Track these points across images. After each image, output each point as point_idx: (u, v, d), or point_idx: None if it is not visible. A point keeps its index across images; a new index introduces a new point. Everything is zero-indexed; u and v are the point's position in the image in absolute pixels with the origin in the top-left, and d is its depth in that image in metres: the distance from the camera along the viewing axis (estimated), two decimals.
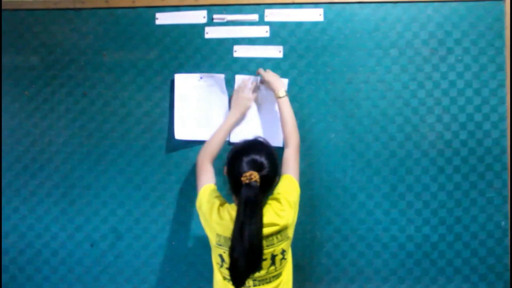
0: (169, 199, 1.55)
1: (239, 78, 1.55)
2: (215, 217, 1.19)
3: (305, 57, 1.55)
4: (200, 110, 1.56)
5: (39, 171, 1.55)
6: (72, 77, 1.57)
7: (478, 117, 1.54)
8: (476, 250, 1.54)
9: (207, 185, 1.28)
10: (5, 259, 1.55)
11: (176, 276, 1.55)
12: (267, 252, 1.17)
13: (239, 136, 1.50)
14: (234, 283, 1.11)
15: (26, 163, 1.55)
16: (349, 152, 1.54)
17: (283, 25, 1.56)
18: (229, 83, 1.56)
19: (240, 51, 1.57)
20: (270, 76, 1.47)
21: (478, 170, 1.54)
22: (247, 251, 1.07)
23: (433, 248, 1.54)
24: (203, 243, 1.54)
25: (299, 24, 1.56)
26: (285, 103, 1.42)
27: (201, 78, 1.56)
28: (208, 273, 1.52)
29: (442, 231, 1.54)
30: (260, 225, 1.10)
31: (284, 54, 1.56)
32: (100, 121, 1.56)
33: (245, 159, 1.17)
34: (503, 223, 1.53)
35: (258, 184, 1.11)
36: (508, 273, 1.54)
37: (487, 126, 1.54)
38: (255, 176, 1.11)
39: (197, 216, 1.52)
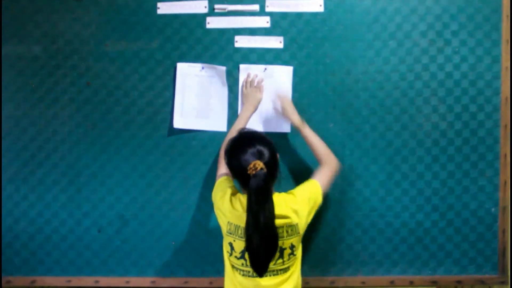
0: (173, 186, 1.61)
1: (243, 68, 1.57)
2: (227, 205, 1.24)
3: (305, 48, 1.58)
4: (200, 100, 1.59)
5: (46, 160, 1.60)
6: (75, 67, 1.59)
7: (472, 107, 1.58)
8: (467, 235, 1.61)
9: (224, 177, 1.34)
10: (17, 244, 1.61)
11: (180, 260, 1.62)
12: None
13: (248, 124, 1.54)
14: (257, 272, 1.16)
15: (33, 152, 1.59)
16: (347, 141, 1.59)
17: (283, 15, 1.57)
18: (230, 74, 1.59)
19: (241, 42, 1.59)
20: (286, 105, 1.49)
21: (471, 159, 1.59)
22: (265, 237, 1.11)
23: (425, 234, 1.61)
24: (207, 228, 1.61)
25: (299, 15, 1.57)
26: (306, 128, 1.45)
27: (202, 68, 1.59)
28: (212, 257, 1.61)
29: (434, 217, 1.60)
30: (272, 210, 1.13)
31: (285, 45, 1.58)
32: (104, 110, 1.60)
33: (244, 152, 1.18)
34: (493, 209, 1.60)
35: (265, 171, 1.13)
36: (496, 256, 1.62)
37: (481, 116, 1.58)
38: (259, 164, 1.13)
39: (199, 201, 1.60)
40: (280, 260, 1.23)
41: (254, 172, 1.12)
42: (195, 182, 1.60)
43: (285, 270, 1.24)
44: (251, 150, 1.18)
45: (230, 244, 1.24)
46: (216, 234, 1.59)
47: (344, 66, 1.58)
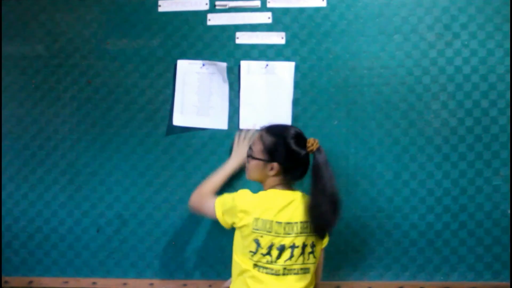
0: (172, 185, 1.57)
1: (244, 65, 1.54)
2: (256, 200, 1.25)
3: (307, 43, 1.54)
4: (200, 97, 1.57)
5: (46, 158, 1.59)
6: (76, 66, 1.59)
7: (484, 103, 1.50)
8: (482, 238, 1.52)
9: (219, 197, 1.33)
10: (16, 243, 1.59)
11: (180, 261, 1.57)
12: (299, 239, 1.22)
13: (249, 121, 1.54)
14: (319, 234, 1.25)
15: (34, 151, 1.59)
16: (352, 139, 1.53)
17: (285, 11, 1.55)
18: (232, 70, 1.56)
19: (242, 38, 1.56)
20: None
21: (484, 158, 1.51)
22: (333, 203, 1.22)
23: (437, 236, 1.52)
24: (207, 229, 1.56)
25: (301, 10, 1.54)
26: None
27: (203, 65, 1.56)
28: (212, 259, 1.56)
29: (446, 219, 1.52)
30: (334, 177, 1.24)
31: (287, 41, 1.55)
32: (105, 108, 1.59)
33: (293, 138, 1.26)
34: (509, 211, 1.51)
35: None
36: None
37: (493, 112, 1.50)
38: (315, 140, 1.25)
39: None
40: (301, 258, 1.23)
41: (315, 148, 1.23)
42: (196, 181, 1.55)
43: (305, 270, 1.25)
44: (298, 132, 1.29)
45: (257, 241, 1.21)
46: (217, 236, 1.55)
47: (348, 61, 1.53)
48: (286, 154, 1.26)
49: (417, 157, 1.52)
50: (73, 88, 1.59)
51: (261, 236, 1.21)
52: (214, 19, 1.57)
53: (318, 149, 1.24)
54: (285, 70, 1.54)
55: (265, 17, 1.56)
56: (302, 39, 1.54)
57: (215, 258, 1.56)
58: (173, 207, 1.57)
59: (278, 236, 1.21)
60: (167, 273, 1.57)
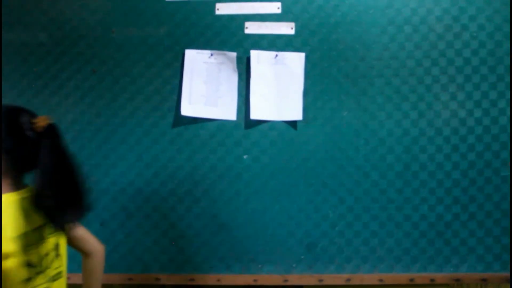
0: (180, 177, 1.53)
1: (254, 54, 1.52)
2: (14, 219, 0.92)
3: (317, 34, 1.53)
4: (209, 87, 1.54)
5: None
6: (81, 54, 1.55)
7: (493, 94, 1.51)
8: (491, 229, 1.52)
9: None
10: None
11: (187, 255, 1.53)
12: (51, 241, 1.01)
13: (259, 112, 1.51)
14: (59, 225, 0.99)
15: None
16: (362, 130, 1.52)
17: (295, 1, 1.53)
18: (241, 60, 1.54)
19: (251, 28, 1.54)
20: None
21: (492, 148, 1.51)
22: (64, 192, 0.97)
23: (446, 227, 1.52)
24: (215, 221, 1.53)
25: (311, 0, 1.53)
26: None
27: (211, 55, 1.54)
28: (221, 253, 1.52)
29: (456, 210, 1.52)
30: None
31: (296, 31, 1.54)
32: (110, 98, 1.54)
33: (22, 115, 0.95)
34: None
35: None
36: None
37: (502, 104, 1.51)
38: (42, 118, 0.95)
39: (207, 193, 1.52)
40: (56, 262, 1.03)
41: (45, 124, 0.94)
42: (203, 172, 1.53)
43: (58, 276, 1.04)
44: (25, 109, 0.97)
45: (29, 263, 0.93)
46: (226, 228, 1.52)
47: (358, 52, 1.53)
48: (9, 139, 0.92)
49: (427, 148, 1.52)
50: (77, 77, 1.55)
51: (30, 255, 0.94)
52: (222, 9, 1.55)
53: (48, 129, 0.94)
54: (295, 61, 1.53)
55: (275, 7, 1.54)
56: (312, 29, 1.53)
57: (224, 251, 1.52)
58: (180, 200, 1.53)
59: (38, 247, 0.96)
60: (173, 267, 1.53)
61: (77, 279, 1.51)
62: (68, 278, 1.50)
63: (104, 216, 1.54)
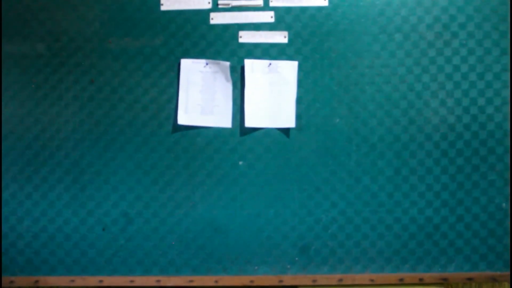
0: (177, 183, 1.59)
1: (248, 63, 1.55)
2: None
3: (310, 42, 1.56)
4: (204, 96, 1.58)
5: (50, 158, 1.58)
6: (79, 65, 1.58)
7: (481, 101, 1.55)
8: (478, 231, 1.58)
9: None
10: (20, 243, 1.60)
11: (185, 258, 1.59)
12: None
13: (254, 119, 1.55)
14: None
15: (37, 150, 1.58)
16: (353, 136, 1.57)
17: (288, 10, 1.56)
18: (235, 69, 1.57)
19: (245, 37, 1.57)
20: None
21: (480, 154, 1.56)
22: None
23: (435, 229, 1.58)
24: (212, 225, 1.59)
25: (303, 9, 1.56)
26: None
27: (206, 64, 1.57)
28: (217, 255, 1.58)
29: (444, 213, 1.57)
30: None
31: (289, 40, 1.57)
32: (108, 108, 1.59)
33: None
34: (504, 205, 1.57)
35: None
36: (508, 253, 1.58)
37: (490, 110, 1.55)
38: None
39: (205, 198, 1.58)
40: None
41: None
42: (200, 179, 1.58)
43: None
44: None
45: None
46: (222, 232, 1.58)
47: (350, 60, 1.56)
48: None
49: (417, 153, 1.57)
50: (76, 87, 1.59)
51: None
52: (217, 18, 1.57)
53: None
54: (289, 69, 1.56)
55: (268, 16, 1.57)
56: (304, 38, 1.56)
57: (220, 254, 1.59)
58: (178, 205, 1.59)
59: None
60: (173, 269, 1.60)
61: (81, 281, 1.59)
62: (73, 281, 1.58)
63: (106, 221, 1.60)
